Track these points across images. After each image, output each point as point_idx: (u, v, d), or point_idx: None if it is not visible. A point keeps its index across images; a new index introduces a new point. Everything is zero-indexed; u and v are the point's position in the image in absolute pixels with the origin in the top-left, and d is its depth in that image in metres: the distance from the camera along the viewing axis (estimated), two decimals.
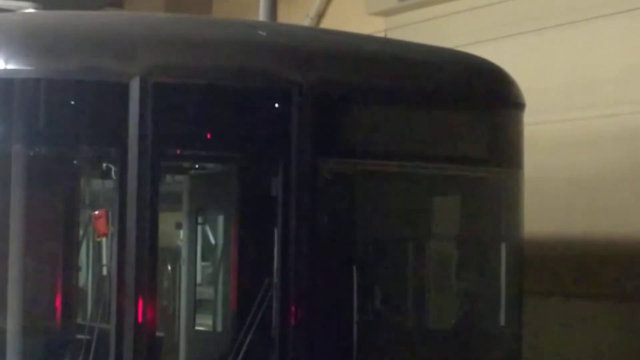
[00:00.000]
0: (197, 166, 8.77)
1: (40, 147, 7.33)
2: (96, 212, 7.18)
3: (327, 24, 15.79)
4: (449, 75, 8.40)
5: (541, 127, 11.94)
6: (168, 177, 8.63)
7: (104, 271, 7.77)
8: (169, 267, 9.35)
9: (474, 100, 8.42)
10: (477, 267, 8.87)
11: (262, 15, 12.61)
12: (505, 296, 8.48)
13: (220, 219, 9.30)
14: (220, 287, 9.09)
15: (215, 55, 7.61)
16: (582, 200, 12.77)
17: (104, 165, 7.28)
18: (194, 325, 9.00)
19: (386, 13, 15.52)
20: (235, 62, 7.56)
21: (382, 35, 15.07)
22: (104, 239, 7.42)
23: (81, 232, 7.96)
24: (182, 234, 9.26)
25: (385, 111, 8.11)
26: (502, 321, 8.50)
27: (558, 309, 13.03)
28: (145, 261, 7.07)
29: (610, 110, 12.43)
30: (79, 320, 7.76)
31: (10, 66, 6.96)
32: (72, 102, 7.21)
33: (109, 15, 9.80)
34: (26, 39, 7.31)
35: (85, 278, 8.46)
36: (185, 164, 8.64)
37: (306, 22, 14.72)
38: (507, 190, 8.58)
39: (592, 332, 12.61)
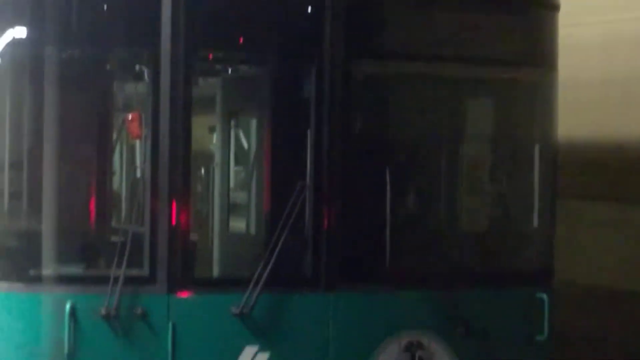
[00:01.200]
0: (230, 68, 8.66)
1: (73, 49, 7.28)
2: (130, 115, 7.28)
3: None
4: None
5: (576, 30, 11.75)
6: (201, 80, 8.51)
7: (138, 174, 7.89)
8: (202, 171, 9.24)
9: (509, 1, 8.44)
10: (512, 169, 8.87)
11: None
12: (538, 198, 8.42)
13: (254, 122, 9.24)
14: (253, 190, 8.97)
15: None
16: (616, 102, 13.04)
17: (137, 67, 7.44)
18: (227, 228, 8.99)
19: None
20: None
21: None
22: (137, 142, 7.69)
23: (115, 135, 8.12)
24: (215, 137, 9.33)
25: (419, 12, 8.03)
26: (536, 222, 8.45)
27: (589, 212, 13.14)
28: (179, 164, 7.13)
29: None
30: (113, 223, 7.96)
31: None
32: (105, 2, 7.26)
33: None
34: None
35: (119, 181, 8.66)
36: (219, 66, 8.57)
37: None
38: (541, 92, 8.53)
39: (619, 235, 12.69)
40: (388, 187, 7.80)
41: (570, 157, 11.24)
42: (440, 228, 8.81)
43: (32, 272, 7.02)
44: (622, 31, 13.06)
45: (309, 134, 7.55)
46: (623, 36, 12.97)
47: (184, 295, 7.18)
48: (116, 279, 6.87)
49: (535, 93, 8.56)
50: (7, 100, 7.34)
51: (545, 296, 7.96)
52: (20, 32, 7.24)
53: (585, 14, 12.25)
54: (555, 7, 8.51)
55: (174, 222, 7.11)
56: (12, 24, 7.28)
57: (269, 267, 7.23)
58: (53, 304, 6.92)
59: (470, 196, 9.02)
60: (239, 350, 7.20)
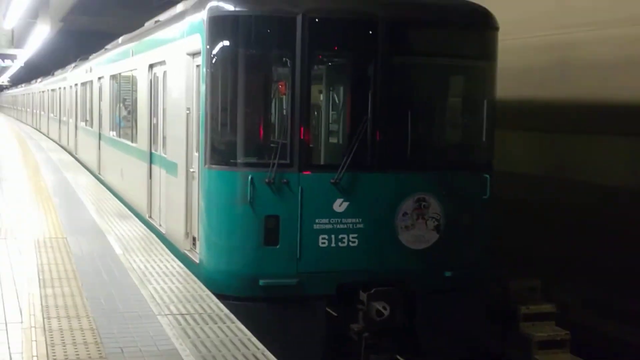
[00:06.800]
0: (329, 62, 10.03)
1: (256, 51, 9.01)
2: (281, 85, 8.92)
3: None
4: (456, 9, 9.62)
5: (515, 41, 13.31)
6: (315, 67, 9.39)
7: (284, 113, 8.91)
8: (315, 112, 9.89)
9: (470, 24, 9.66)
10: (473, 112, 10.14)
11: None
12: (485, 126, 9.72)
13: (341, 88, 10.27)
14: (341, 122, 10.10)
15: (338, 3, 9.09)
16: (532, 77, 14.34)
17: (285, 60, 8.84)
18: (328, 141, 10.01)
19: None
20: (346, 5, 9.06)
21: None
22: (284, 97, 8.87)
23: (273, 93, 9.23)
24: (322, 96, 10.27)
25: (421, 32, 9.50)
26: (484, 137, 9.74)
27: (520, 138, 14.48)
28: (304, 108, 8.70)
29: (544, 32, 14.17)
30: (273, 138, 9.04)
31: (238, 8, 8.70)
32: (268, 30, 8.91)
33: None
34: None
35: (275, 117, 9.45)
36: (324, 60, 9.83)
37: None
38: (489, 71, 9.73)
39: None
40: (409, 122, 9.29)
41: (507, 105, 12.20)
42: (434, 141, 10.10)
43: (232, 161, 8.68)
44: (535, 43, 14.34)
45: (370, 93, 8.87)
46: (537, 43, 14.32)
47: (306, 173, 8.62)
48: (273, 165, 8.44)
49: (485, 71, 9.75)
50: (228, 78, 8.84)
51: (487, 176, 9.28)
52: (232, 43, 8.87)
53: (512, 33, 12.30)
54: (497, 28, 9.67)
55: (302, 137, 8.64)
56: (232, 43, 8.93)
57: (349, 159, 8.73)
58: (242, 177, 8.49)
59: (448, 126, 10.35)
60: (333, 201, 8.69)
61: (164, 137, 11.31)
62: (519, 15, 14.38)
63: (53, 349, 5.56)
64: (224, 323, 6.49)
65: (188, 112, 9.83)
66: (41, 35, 27.94)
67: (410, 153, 9.34)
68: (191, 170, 9.76)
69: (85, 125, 20.93)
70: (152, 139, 12.10)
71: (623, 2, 12.55)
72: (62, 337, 5.89)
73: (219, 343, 5.87)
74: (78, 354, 5.50)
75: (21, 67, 50.18)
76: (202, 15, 8.94)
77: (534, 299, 10.96)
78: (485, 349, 10.02)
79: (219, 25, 8.79)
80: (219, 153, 8.83)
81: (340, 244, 8.79)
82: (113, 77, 16.09)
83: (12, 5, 17.79)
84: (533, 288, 11.15)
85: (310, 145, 9.07)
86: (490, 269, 9.76)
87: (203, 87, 8.92)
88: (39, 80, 46.46)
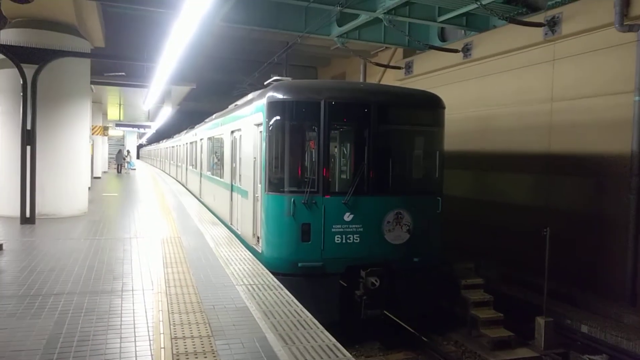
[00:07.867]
0: (340, 128, 9.15)
1: (297, 122, 8.45)
2: (311, 142, 8.57)
3: (382, 82, 15.67)
4: (418, 96, 9.38)
5: (453, 115, 12.92)
6: (332, 132, 8.80)
7: (314, 159, 8.53)
8: (332, 159, 9.17)
9: (427, 105, 9.33)
10: (429, 158, 9.50)
11: (361, 79, 13.67)
12: (437, 167, 9.30)
13: (348, 144, 9.49)
14: (349, 164, 9.38)
15: (346, 93, 8.75)
16: (471, 135, 13.84)
17: (314, 127, 8.45)
18: (341, 176, 9.56)
19: (401, 80, 16.81)
20: (351, 94, 8.74)
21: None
22: (313, 150, 8.53)
23: (306, 147, 8.73)
24: (336, 149, 9.57)
25: (396, 111, 9.05)
26: (437, 174, 9.37)
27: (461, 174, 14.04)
28: (326, 157, 8.32)
29: (474, 109, 13.95)
30: (307, 174, 8.62)
31: (285, 97, 8.47)
32: (303, 109, 8.55)
33: (312, 81, 10.52)
34: (289, 89, 8.62)
35: (309, 162, 8.77)
36: (337, 127, 9.07)
37: (376, 81, 13.70)
38: (439, 133, 9.38)
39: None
40: (390, 165, 8.88)
41: (451, 154, 12.24)
42: (406, 176, 9.56)
43: (281, 189, 8.40)
44: (468, 116, 14.02)
45: (365, 148, 8.63)
46: (469, 116, 14.10)
47: (327, 196, 8.36)
48: (307, 192, 8.28)
49: (437, 133, 9.35)
50: (279, 139, 8.53)
51: (439, 198, 9.11)
52: (281, 117, 8.45)
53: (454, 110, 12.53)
54: (444, 107, 9.34)
55: (324, 175, 8.20)
56: (281, 118, 8.55)
57: (353, 188, 8.47)
58: (288, 199, 8.26)
59: (414, 167, 9.74)
60: (344, 214, 8.36)
61: (240, 175, 10.77)
62: (460, 99, 14.41)
63: (171, 305, 5.50)
64: (277, 290, 6.20)
65: (254, 159, 9.42)
66: (166, 113, 28.23)
67: (391, 184, 8.86)
68: (256, 195, 9.37)
69: (192, 167, 20.36)
70: (233, 176, 11.53)
71: (520, 92, 12.43)
72: (177, 298, 5.79)
73: (273, 302, 5.68)
74: (187, 308, 5.41)
75: (153, 133, 50.41)
76: (264, 101, 8.69)
77: (470, 275, 10.57)
78: (439, 306, 9.71)
79: (273, 107, 8.50)
80: (274, 184, 8.46)
81: (348, 241, 8.41)
82: (209, 138, 15.72)
83: (149, 96, 18.25)
84: (469, 268, 10.76)
85: (330, 180, 8.67)
86: (441, 256, 9.43)
87: (264, 145, 8.62)
88: (164, 140, 47.23)
